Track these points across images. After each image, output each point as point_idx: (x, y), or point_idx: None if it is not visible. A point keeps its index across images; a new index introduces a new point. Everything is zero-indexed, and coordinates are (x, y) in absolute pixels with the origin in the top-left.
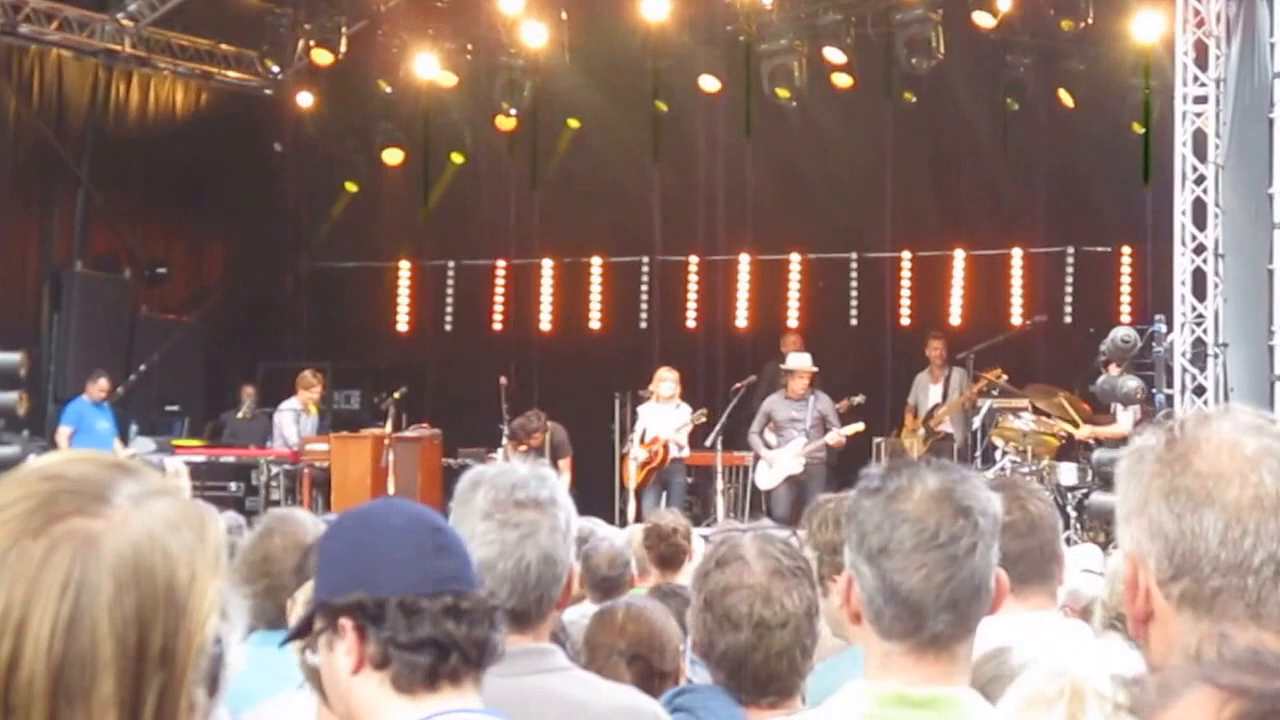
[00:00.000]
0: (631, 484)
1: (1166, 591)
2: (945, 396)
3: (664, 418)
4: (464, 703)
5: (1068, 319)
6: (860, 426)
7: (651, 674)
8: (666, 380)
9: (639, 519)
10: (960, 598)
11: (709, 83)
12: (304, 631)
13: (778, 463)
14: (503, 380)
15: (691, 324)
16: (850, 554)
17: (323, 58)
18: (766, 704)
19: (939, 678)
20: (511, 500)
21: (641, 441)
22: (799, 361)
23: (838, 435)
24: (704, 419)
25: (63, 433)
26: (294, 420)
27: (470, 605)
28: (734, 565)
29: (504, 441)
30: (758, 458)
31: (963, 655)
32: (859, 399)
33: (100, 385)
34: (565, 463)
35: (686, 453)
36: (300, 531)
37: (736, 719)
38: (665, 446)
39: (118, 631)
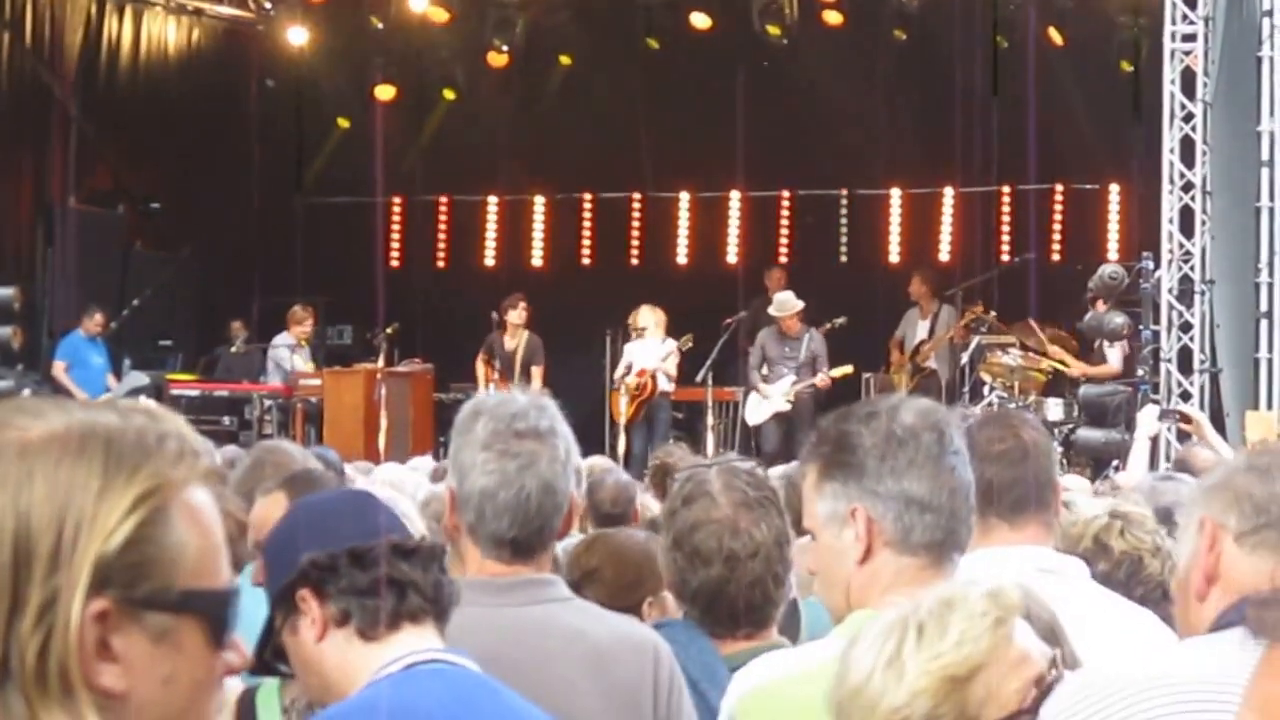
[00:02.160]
0: (622, 419)
1: (1242, 542)
2: (933, 333)
3: (648, 353)
4: (428, 643)
5: (1056, 256)
6: (849, 369)
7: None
8: (646, 317)
9: (628, 455)
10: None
11: (700, 20)
12: (266, 644)
13: (768, 398)
14: (495, 316)
15: (682, 260)
16: (858, 484)
17: None
18: (742, 635)
19: None
20: (511, 430)
21: (652, 379)
22: (784, 303)
23: (824, 377)
24: (690, 345)
25: (58, 367)
26: (288, 355)
27: (416, 546)
28: (700, 501)
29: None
30: (748, 391)
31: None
32: (840, 320)
33: (95, 320)
34: (537, 371)
35: (672, 387)
36: (289, 462)
37: (707, 652)
38: (653, 377)
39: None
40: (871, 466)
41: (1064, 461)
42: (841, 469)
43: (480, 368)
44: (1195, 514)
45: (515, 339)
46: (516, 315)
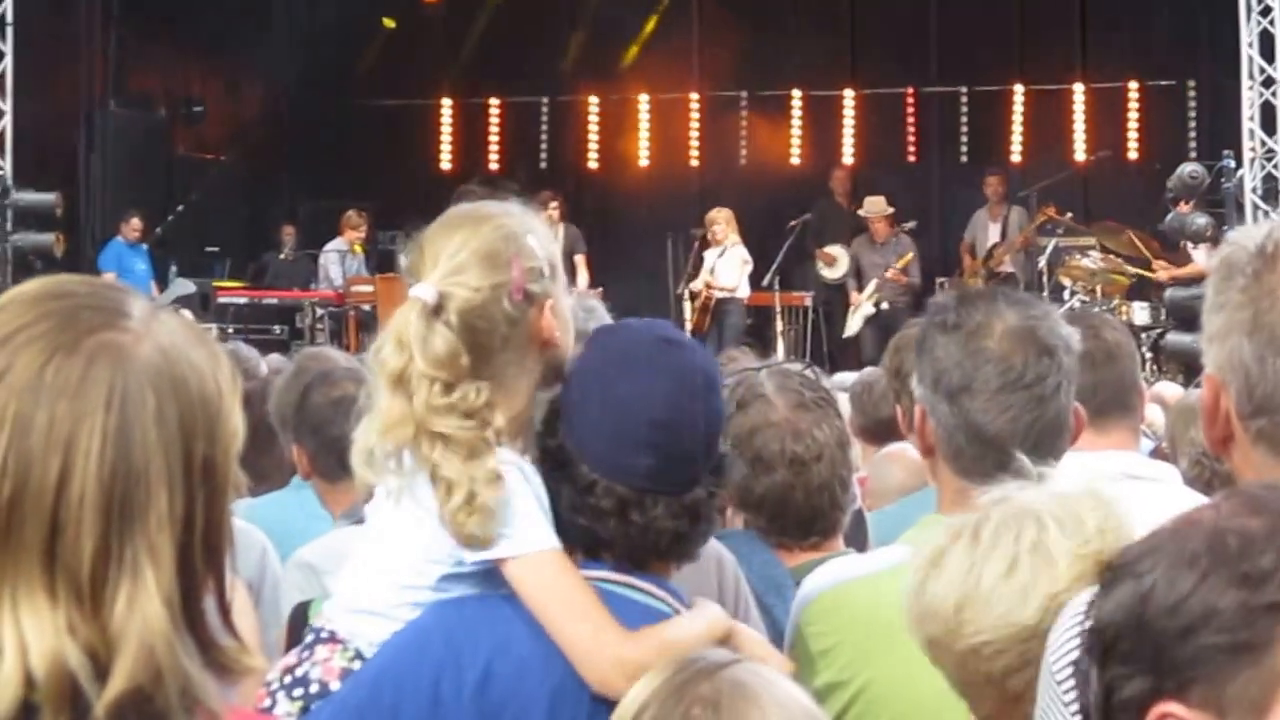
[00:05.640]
0: (688, 326)
1: (1245, 425)
2: (1004, 235)
3: (714, 260)
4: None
5: (1133, 155)
6: (910, 255)
7: None
8: (717, 222)
9: None
10: (1044, 438)
11: None
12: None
13: (859, 308)
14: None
15: (744, 161)
16: (924, 389)
17: None
18: (809, 545)
19: None
20: None
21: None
22: (874, 206)
23: (893, 270)
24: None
25: (108, 279)
26: (339, 261)
27: (655, 505)
28: (756, 405)
29: None
30: (844, 306)
31: None
32: (910, 225)
33: (133, 225)
34: (581, 259)
35: (743, 293)
36: (333, 369)
37: (770, 564)
38: (707, 285)
39: (165, 442)
40: (938, 380)
41: (1153, 368)
42: (919, 365)
43: None
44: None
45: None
46: (552, 212)
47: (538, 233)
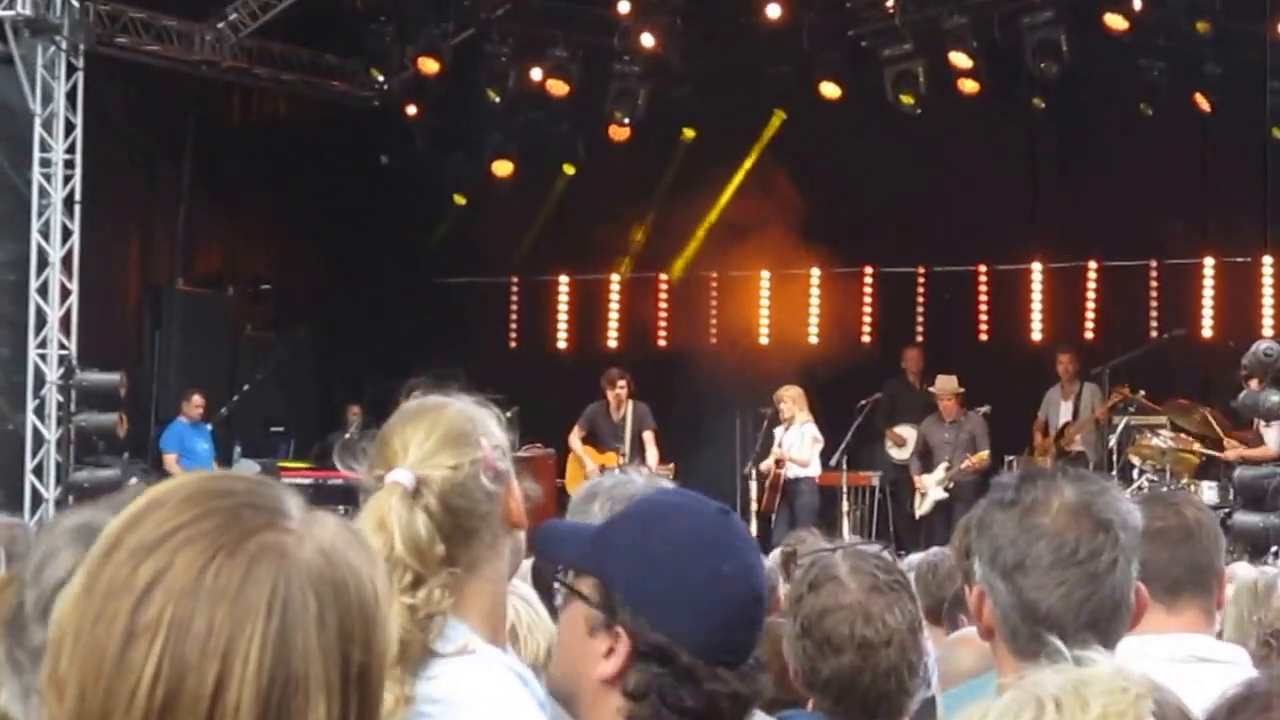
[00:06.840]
0: (754, 505)
1: None
2: (1077, 413)
3: (789, 436)
4: None
5: (1207, 332)
6: (984, 455)
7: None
8: (784, 400)
9: (764, 542)
10: (1101, 616)
11: (830, 89)
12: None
13: (928, 490)
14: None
15: (814, 339)
16: (982, 568)
17: (429, 66)
18: None
19: None
20: None
21: (776, 464)
22: (945, 385)
23: (970, 461)
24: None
25: (169, 460)
26: None
27: (742, 676)
28: (828, 586)
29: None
30: (910, 487)
31: None
32: (984, 409)
33: (195, 403)
34: (650, 436)
35: (813, 471)
36: None
37: None
38: (776, 462)
39: (325, 648)
40: (994, 557)
41: None
42: (978, 543)
43: (577, 444)
44: None
45: (622, 409)
46: (620, 390)
47: (489, 419)
